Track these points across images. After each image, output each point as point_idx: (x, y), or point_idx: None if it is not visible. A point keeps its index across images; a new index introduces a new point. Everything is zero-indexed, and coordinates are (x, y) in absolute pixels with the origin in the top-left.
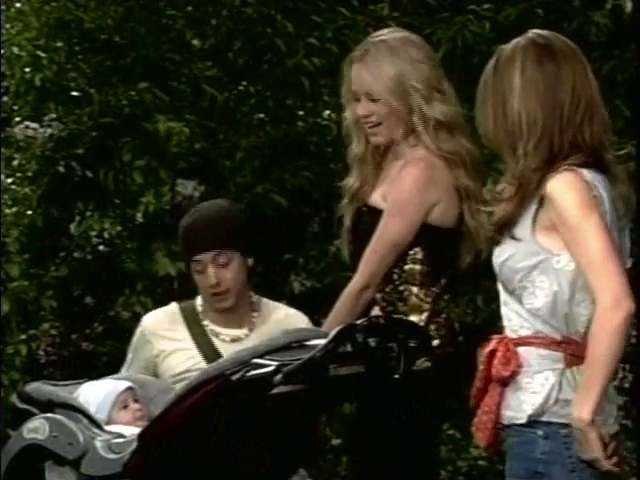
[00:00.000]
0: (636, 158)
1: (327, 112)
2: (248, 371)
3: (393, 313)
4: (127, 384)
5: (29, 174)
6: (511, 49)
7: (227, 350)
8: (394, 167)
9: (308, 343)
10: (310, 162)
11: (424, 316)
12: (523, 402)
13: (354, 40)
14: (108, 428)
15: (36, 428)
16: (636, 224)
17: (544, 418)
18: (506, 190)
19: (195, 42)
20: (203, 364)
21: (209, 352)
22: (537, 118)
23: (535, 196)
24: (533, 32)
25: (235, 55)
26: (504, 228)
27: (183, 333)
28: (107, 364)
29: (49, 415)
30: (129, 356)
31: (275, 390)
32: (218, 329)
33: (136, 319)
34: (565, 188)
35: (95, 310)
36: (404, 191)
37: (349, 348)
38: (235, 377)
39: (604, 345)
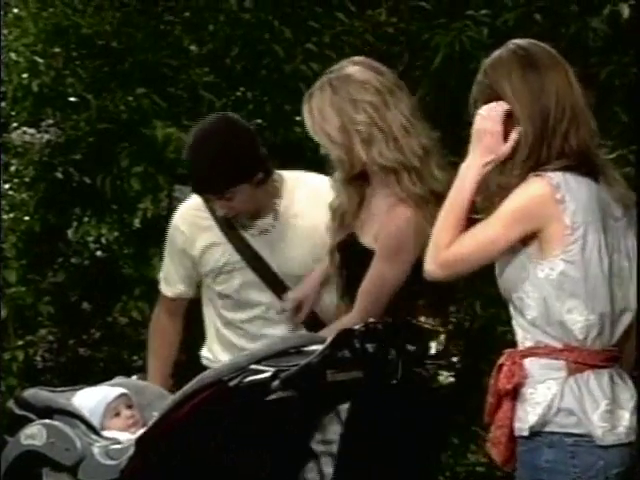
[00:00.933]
0: (635, 164)
1: None
2: (245, 377)
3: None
4: (119, 391)
5: (26, 180)
6: (496, 60)
7: (257, 242)
8: (380, 198)
9: (306, 349)
10: (307, 167)
11: (442, 338)
12: (528, 413)
13: (352, 46)
14: (104, 433)
15: (33, 434)
16: (636, 225)
17: (547, 429)
18: (496, 198)
19: (193, 48)
20: (237, 257)
21: (241, 246)
22: (527, 129)
23: None
24: (512, 43)
25: (233, 61)
26: None
27: (215, 229)
28: (104, 370)
29: (46, 421)
30: (166, 260)
31: (273, 396)
32: (245, 222)
33: (133, 325)
34: (523, 191)
35: (92, 316)
36: (395, 236)
37: (347, 354)
38: (232, 383)
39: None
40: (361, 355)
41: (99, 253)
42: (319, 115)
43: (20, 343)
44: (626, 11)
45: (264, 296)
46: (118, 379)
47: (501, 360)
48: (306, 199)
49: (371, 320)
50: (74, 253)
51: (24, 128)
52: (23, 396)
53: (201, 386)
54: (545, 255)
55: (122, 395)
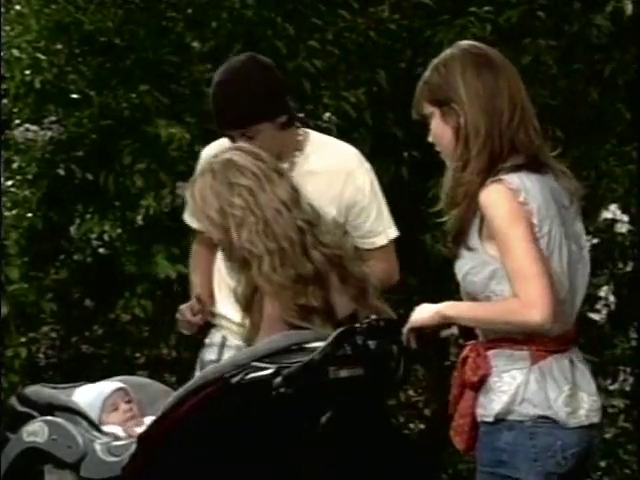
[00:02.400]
0: (637, 161)
1: (327, 114)
2: (247, 374)
3: None
4: (117, 385)
5: (29, 177)
6: (448, 58)
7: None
8: None
9: (307, 346)
10: None
11: None
12: (492, 401)
13: (354, 42)
14: (103, 428)
15: (35, 431)
16: (636, 225)
17: (510, 417)
18: (456, 197)
19: (195, 45)
20: None
21: None
22: (479, 126)
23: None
24: (464, 43)
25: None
26: (458, 238)
27: None
28: (107, 367)
29: (48, 418)
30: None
31: (274, 393)
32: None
33: (136, 322)
34: (491, 201)
35: (95, 313)
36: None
37: (349, 351)
38: (234, 380)
39: (496, 320)
40: (363, 352)
41: (102, 250)
42: (200, 199)
43: (22, 340)
44: (629, 8)
45: None
46: (120, 378)
47: (465, 352)
48: (325, 160)
49: (373, 317)
50: (76, 250)
51: (26, 125)
52: (25, 393)
53: (203, 383)
54: (500, 254)
55: (119, 389)
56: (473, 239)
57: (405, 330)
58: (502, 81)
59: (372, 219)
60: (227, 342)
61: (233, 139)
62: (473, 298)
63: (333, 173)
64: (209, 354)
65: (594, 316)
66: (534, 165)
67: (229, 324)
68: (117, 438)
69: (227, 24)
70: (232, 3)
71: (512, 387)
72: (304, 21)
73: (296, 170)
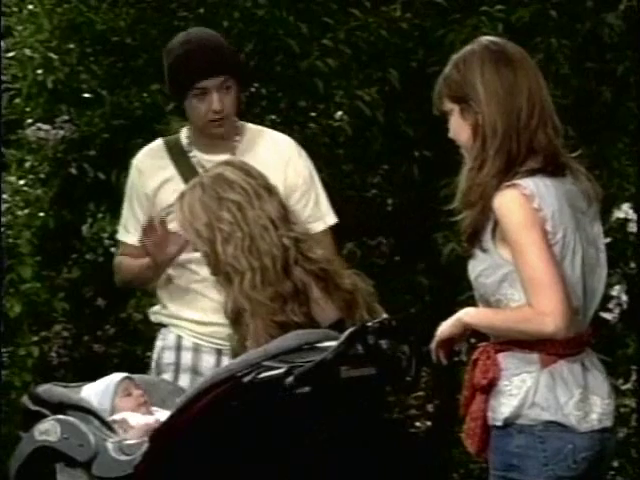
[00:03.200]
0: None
1: (339, 113)
2: (259, 373)
3: None
4: (124, 374)
5: (41, 176)
6: (467, 54)
7: None
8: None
9: (319, 345)
10: (322, 164)
11: None
12: (502, 404)
13: (366, 42)
14: (113, 417)
15: (47, 430)
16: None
17: (519, 421)
18: (472, 197)
19: None
20: None
21: None
22: (497, 126)
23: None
24: (484, 39)
25: (247, 57)
26: (473, 238)
27: (169, 168)
28: (118, 366)
29: (60, 417)
30: (125, 206)
31: (286, 392)
32: (206, 157)
33: (147, 321)
34: (506, 207)
35: (107, 312)
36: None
37: (361, 350)
38: (246, 379)
39: (511, 328)
40: (375, 352)
41: (113, 249)
42: (189, 212)
43: (35, 339)
44: None
45: None
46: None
47: (476, 355)
48: (264, 149)
49: (385, 317)
50: (88, 249)
51: (39, 124)
52: (37, 392)
53: (215, 382)
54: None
55: (128, 377)
56: (487, 241)
57: (433, 346)
58: (521, 78)
59: (311, 205)
60: (183, 342)
61: (203, 96)
62: (485, 300)
63: (274, 161)
64: (166, 357)
65: (606, 315)
66: (552, 167)
67: (183, 322)
68: (128, 427)
69: (239, 23)
70: (244, 2)
71: (522, 391)
72: (316, 20)
73: (238, 157)
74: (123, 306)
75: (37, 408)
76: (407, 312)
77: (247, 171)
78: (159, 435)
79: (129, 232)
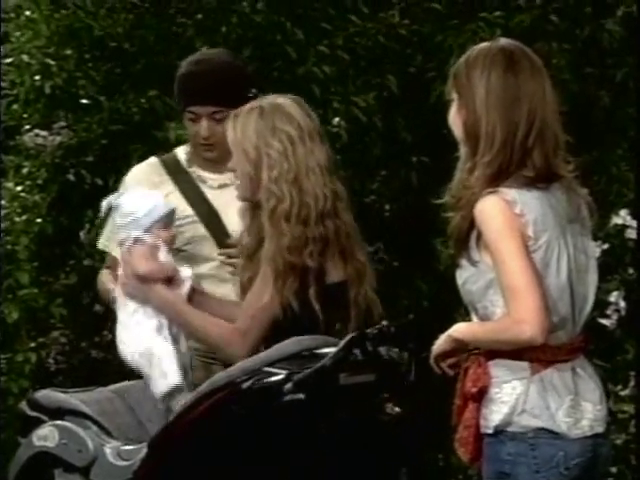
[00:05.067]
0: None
1: (337, 119)
2: (258, 379)
3: None
4: (171, 205)
5: (39, 182)
6: (481, 53)
7: (215, 197)
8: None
9: (318, 351)
10: None
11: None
12: (493, 412)
13: (364, 47)
14: (144, 235)
15: (45, 435)
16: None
17: (510, 429)
18: (460, 200)
19: (205, 50)
20: (189, 211)
21: (196, 200)
22: (496, 131)
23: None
24: (505, 40)
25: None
26: (459, 244)
27: (167, 183)
28: (117, 372)
29: (58, 422)
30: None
31: (285, 398)
32: (206, 174)
33: None
34: (486, 212)
35: (105, 318)
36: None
37: (360, 356)
38: (245, 385)
39: (492, 339)
40: (374, 358)
41: None
42: (240, 132)
43: (32, 345)
44: None
45: (215, 252)
46: (130, 382)
47: (467, 363)
48: None
49: (384, 323)
50: (86, 255)
51: (36, 130)
52: (35, 397)
53: (213, 388)
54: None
55: (173, 211)
56: (472, 248)
57: (431, 362)
58: (525, 91)
59: None
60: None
61: (195, 120)
62: (473, 308)
63: None
64: None
65: (604, 322)
66: (540, 179)
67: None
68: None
69: (237, 29)
70: (242, 8)
71: (512, 398)
72: (314, 26)
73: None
74: None
75: (35, 414)
76: (406, 318)
77: (307, 111)
78: (158, 440)
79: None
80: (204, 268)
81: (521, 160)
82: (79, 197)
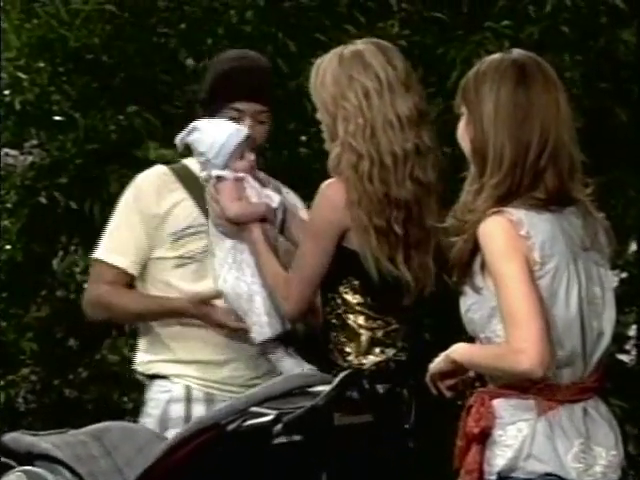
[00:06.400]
0: None
1: None
2: (245, 420)
3: (330, 341)
4: (246, 131)
5: (8, 205)
6: (491, 66)
7: None
8: None
9: (311, 390)
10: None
11: (362, 347)
12: (497, 456)
13: None
14: (224, 172)
15: None
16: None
17: (515, 474)
18: (466, 223)
19: (189, 62)
20: (202, 219)
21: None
22: (505, 151)
23: None
24: (517, 52)
25: None
26: (461, 270)
27: (180, 190)
28: (92, 413)
29: (27, 468)
30: (121, 228)
31: (275, 441)
32: None
33: (124, 363)
34: (488, 233)
35: (79, 353)
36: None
37: (355, 395)
38: (231, 427)
39: (489, 365)
40: (371, 397)
41: (87, 285)
42: (321, 80)
43: (1, 383)
44: None
45: None
46: (106, 424)
47: (470, 401)
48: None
49: (382, 358)
50: (60, 285)
51: (6, 149)
52: (3, 441)
53: (197, 430)
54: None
55: (247, 137)
56: (476, 273)
57: (427, 380)
58: (537, 109)
59: None
60: (193, 393)
61: (238, 119)
62: (476, 337)
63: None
64: (175, 411)
65: (622, 357)
66: (552, 202)
67: (190, 369)
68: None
69: (224, 40)
70: (229, 18)
71: (517, 441)
72: (307, 37)
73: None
74: (97, 347)
75: (3, 459)
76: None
77: (390, 59)
78: None
79: (124, 256)
80: None
81: (532, 182)
82: (52, 222)
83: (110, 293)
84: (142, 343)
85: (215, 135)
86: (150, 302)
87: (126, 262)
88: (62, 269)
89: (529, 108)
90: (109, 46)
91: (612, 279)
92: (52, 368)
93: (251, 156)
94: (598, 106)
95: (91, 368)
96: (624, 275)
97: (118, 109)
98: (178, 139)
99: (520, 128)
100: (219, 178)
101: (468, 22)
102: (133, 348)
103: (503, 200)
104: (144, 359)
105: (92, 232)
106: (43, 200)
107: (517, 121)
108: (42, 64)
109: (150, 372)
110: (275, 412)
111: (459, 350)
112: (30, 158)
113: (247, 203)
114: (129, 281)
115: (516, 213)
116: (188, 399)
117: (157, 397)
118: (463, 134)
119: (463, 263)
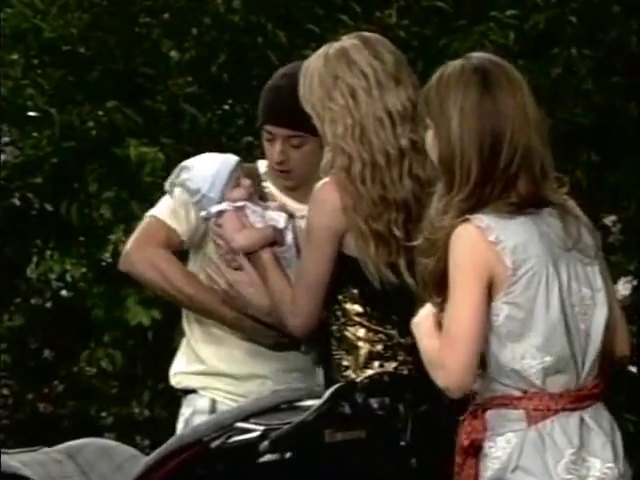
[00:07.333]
0: None
1: None
2: (230, 437)
3: (329, 353)
4: (235, 158)
5: None
6: (452, 76)
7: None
8: None
9: (300, 404)
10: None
11: (360, 361)
12: (487, 468)
13: None
14: (222, 206)
15: None
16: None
17: None
18: (436, 242)
19: (173, 54)
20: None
21: None
22: (472, 167)
23: None
24: (478, 57)
25: (219, 69)
26: (436, 291)
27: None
28: (68, 429)
29: None
30: (171, 209)
31: (262, 459)
32: (279, 194)
33: (103, 376)
34: (453, 243)
35: (55, 366)
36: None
37: (347, 410)
38: (214, 444)
39: (424, 356)
40: (364, 412)
41: (63, 292)
42: (308, 83)
43: None
44: None
45: None
46: (83, 440)
47: (464, 415)
48: None
49: (376, 371)
50: (34, 292)
51: None
52: None
53: (179, 447)
54: (489, 301)
55: (240, 163)
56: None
57: None
58: (505, 116)
59: None
60: (218, 406)
61: (271, 141)
62: None
63: None
64: (198, 422)
65: (634, 369)
66: (526, 205)
67: (219, 382)
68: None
69: (210, 31)
70: (216, 7)
71: (505, 452)
72: (299, 27)
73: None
74: (74, 359)
75: None
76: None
77: (377, 53)
78: None
79: (179, 223)
80: None
81: (503, 189)
82: (26, 225)
83: (168, 261)
84: (178, 355)
85: (204, 169)
86: (202, 289)
87: (181, 227)
88: (37, 275)
89: (495, 117)
90: (87, 37)
91: (600, 278)
92: (26, 381)
93: (246, 182)
94: (609, 102)
95: (67, 381)
96: (636, 282)
97: (97, 104)
98: (168, 184)
99: (487, 139)
100: (219, 213)
101: (471, 11)
102: (112, 360)
103: (472, 212)
104: (180, 369)
105: (69, 236)
106: (16, 202)
107: (484, 132)
108: (15, 56)
109: (179, 386)
110: (262, 428)
111: (416, 326)
112: (2, 157)
113: (253, 230)
114: (178, 248)
115: (486, 219)
116: (212, 411)
117: (183, 412)
118: (431, 148)
119: (436, 283)
